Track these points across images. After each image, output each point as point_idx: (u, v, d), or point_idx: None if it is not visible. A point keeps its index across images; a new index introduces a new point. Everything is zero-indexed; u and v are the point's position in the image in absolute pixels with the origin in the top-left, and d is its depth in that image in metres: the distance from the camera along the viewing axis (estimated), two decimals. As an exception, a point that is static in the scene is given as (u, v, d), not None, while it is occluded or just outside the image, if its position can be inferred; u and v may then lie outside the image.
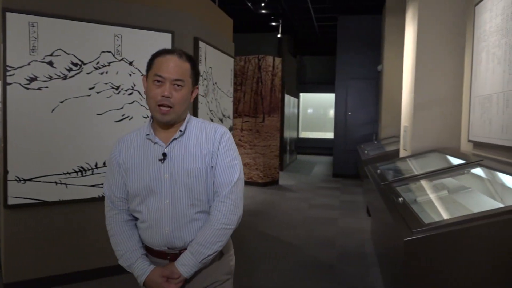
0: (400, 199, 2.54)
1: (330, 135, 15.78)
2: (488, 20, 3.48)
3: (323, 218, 5.63)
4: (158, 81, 1.40)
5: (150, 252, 1.51)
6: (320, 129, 16.45)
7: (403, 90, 5.20)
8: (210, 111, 4.32)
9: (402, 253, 1.90)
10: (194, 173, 1.45)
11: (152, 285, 1.42)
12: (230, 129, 5.10)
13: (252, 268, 3.81)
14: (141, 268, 1.44)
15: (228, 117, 4.99)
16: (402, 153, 5.05)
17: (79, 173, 3.30)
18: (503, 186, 2.87)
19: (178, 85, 1.42)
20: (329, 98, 16.36)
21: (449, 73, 4.36)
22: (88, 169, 3.34)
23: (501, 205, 2.60)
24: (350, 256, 4.18)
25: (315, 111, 16.75)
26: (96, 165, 3.36)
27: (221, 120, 4.72)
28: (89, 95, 3.32)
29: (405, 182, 3.22)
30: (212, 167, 1.48)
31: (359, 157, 7.30)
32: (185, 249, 1.45)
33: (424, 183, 3.21)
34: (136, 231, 1.53)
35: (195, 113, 3.90)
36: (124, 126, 3.45)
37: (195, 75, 1.50)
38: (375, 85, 9.13)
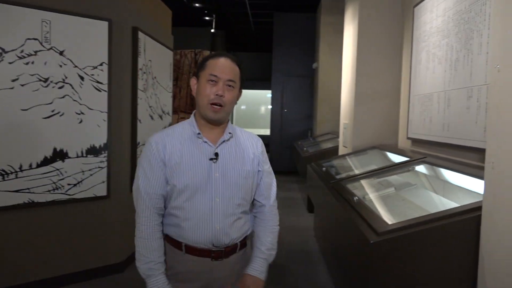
0: (355, 198, 2.51)
1: (264, 131, 15.90)
2: (429, 21, 3.61)
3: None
4: (213, 81, 1.47)
5: (191, 251, 1.50)
6: (254, 126, 16.49)
7: (342, 88, 5.29)
8: (150, 107, 4.05)
9: (368, 255, 1.85)
10: (245, 174, 1.54)
11: None
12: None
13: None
14: (162, 282, 1.46)
15: (168, 113, 4.73)
16: (341, 150, 5.13)
17: (0, 177, 2.89)
18: (446, 182, 2.98)
19: (230, 86, 1.49)
20: (263, 94, 16.47)
21: (389, 72, 4.49)
22: (11, 172, 2.93)
23: (446, 200, 2.68)
24: (297, 254, 4.14)
25: (249, 108, 16.76)
26: (20, 167, 2.97)
27: (161, 117, 4.45)
28: (12, 88, 2.91)
29: (354, 180, 3.23)
30: (259, 171, 1.60)
31: (298, 154, 7.36)
32: (228, 246, 1.52)
33: (372, 180, 3.24)
34: (163, 241, 1.53)
35: (133, 109, 3.62)
36: (54, 123, 3.09)
37: (242, 80, 1.58)
38: (310, 83, 9.29)
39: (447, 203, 2.60)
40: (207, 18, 10.43)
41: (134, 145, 3.62)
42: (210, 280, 1.53)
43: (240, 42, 14.16)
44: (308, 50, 9.27)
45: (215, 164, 1.50)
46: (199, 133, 1.52)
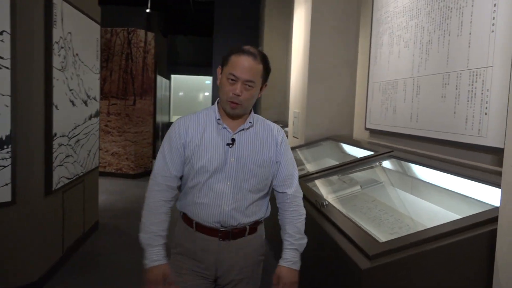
0: (325, 202, 2.10)
1: (203, 119, 15.24)
2: (393, 1, 3.27)
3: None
4: (232, 80, 1.50)
5: (201, 229, 1.57)
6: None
7: (292, 75, 4.88)
8: (70, 90, 3.35)
9: (357, 282, 1.43)
10: (259, 162, 1.57)
11: (154, 275, 1.50)
12: (97, 114, 4.15)
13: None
14: (157, 255, 1.52)
15: (94, 98, 4.03)
16: (291, 141, 4.74)
17: None
18: (415, 178, 2.66)
19: (249, 86, 1.51)
20: (201, 80, 15.77)
21: (344, 58, 4.13)
22: None
23: (422, 201, 2.36)
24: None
25: (187, 94, 16.01)
26: None
27: (85, 103, 3.75)
28: None
29: (315, 178, 2.82)
30: (276, 162, 1.63)
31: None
32: (236, 228, 1.56)
33: (335, 178, 2.86)
34: (169, 217, 1.59)
35: (47, 93, 2.92)
36: None
37: (267, 74, 1.58)
38: (254, 69, 8.84)
39: (423, 204, 2.27)
40: (142, -5, 9.58)
41: (49, 137, 2.93)
42: (217, 261, 1.58)
43: (179, 24, 13.34)
44: (252, 34, 8.80)
45: (231, 149, 1.55)
46: (219, 119, 1.57)
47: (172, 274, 1.54)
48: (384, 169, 2.84)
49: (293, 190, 1.65)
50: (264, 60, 1.57)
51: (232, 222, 1.55)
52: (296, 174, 1.69)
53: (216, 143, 1.55)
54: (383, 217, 2.19)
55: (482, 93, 2.14)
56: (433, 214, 2.09)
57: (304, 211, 1.65)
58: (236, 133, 1.57)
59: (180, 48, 14.47)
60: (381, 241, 1.49)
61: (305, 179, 2.80)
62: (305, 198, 2.34)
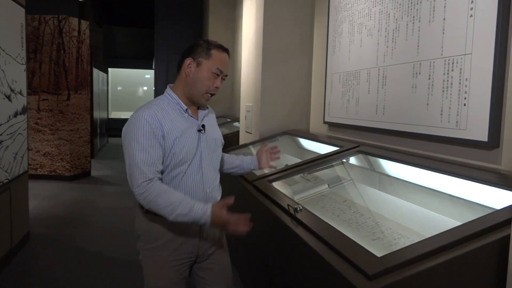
0: (299, 207, 1.85)
1: (144, 115, 14.54)
2: (353, -14, 3.09)
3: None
4: (217, 74, 1.62)
5: None
6: (132, 109, 15.02)
7: (243, 67, 4.61)
8: (-11, 83, 2.84)
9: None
10: (219, 142, 1.76)
11: (218, 212, 1.47)
12: (24, 110, 3.61)
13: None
14: (201, 207, 1.48)
15: (20, 93, 3.50)
16: (244, 137, 4.48)
17: None
18: (385, 175, 2.51)
19: (224, 79, 1.67)
20: (141, 74, 15.05)
21: (299, 49, 3.93)
22: None
23: (397, 199, 2.20)
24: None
25: (126, 89, 15.21)
26: None
27: (9, 98, 3.23)
28: None
29: (279, 176, 2.58)
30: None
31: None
32: None
33: (300, 176, 2.63)
34: None
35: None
36: None
37: None
38: (198, 61, 8.45)
39: (399, 203, 2.10)
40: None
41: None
42: (200, 241, 1.65)
43: (116, 14, 12.54)
44: (196, 25, 8.40)
45: (203, 135, 1.65)
46: (186, 109, 1.64)
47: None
48: (352, 165, 2.66)
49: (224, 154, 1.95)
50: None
51: (212, 202, 1.59)
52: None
53: (189, 132, 1.61)
54: (359, 220, 2.00)
55: (460, 83, 2.00)
56: (413, 214, 1.92)
57: None
58: (202, 119, 1.69)
59: (118, 39, 13.64)
60: (378, 256, 1.27)
61: (268, 179, 2.55)
62: (273, 202, 2.09)
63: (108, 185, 6.38)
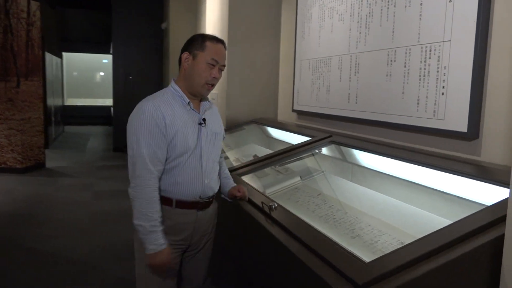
0: (274, 204, 1.73)
1: (103, 101, 13.99)
2: (323, -32, 2.96)
3: (117, 212, 4.42)
4: (213, 64, 1.67)
5: (181, 205, 1.68)
6: (89, 95, 14.39)
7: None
8: None
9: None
10: (219, 136, 1.82)
11: (165, 257, 1.58)
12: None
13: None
14: (163, 238, 1.57)
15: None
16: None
17: None
18: (360, 166, 2.44)
19: (221, 69, 1.72)
20: (98, 58, 14.38)
21: (267, 36, 3.78)
22: None
23: (370, 190, 2.12)
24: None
25: (82, 74, 14.51)
26: None
27: None
28: None
29: (249, 169, 2.45)
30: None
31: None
32: (210, 197, 1.76)
33: (271, 168, 2.51)
34: None
35: None
36: None
37: None
38: (160, 45, 8.11)
39: (376, 197, 2.03)
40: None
41: None
42: (194, 231, 1.73)
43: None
44: (156, 7, 8.03)
45: (203, 128, 1.72)
46: (189, 102, 1.70)
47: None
48: (324, 156, 2.57)
49: (222, 156, 2.00)
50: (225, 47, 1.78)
51: (210, 193, 1.74)
52: None
53: (190, 124, 1.67)
54: (336, 215, 1.90)
55: (437, 71, 1.93)
56: (392, 209, 1.84)
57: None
58: (203, 113, 1.74)
59: (73, 22, 12.90)
60: (366, 262, 1.17)
61: (238, 172, 2.41)
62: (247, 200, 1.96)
63: (65, 177, 6.03)
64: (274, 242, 1.51)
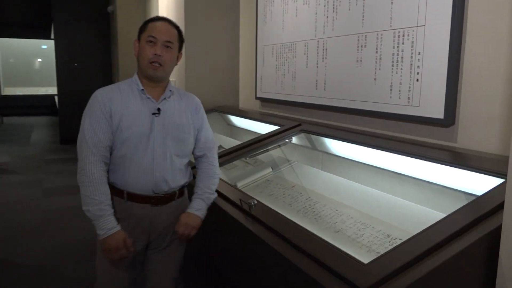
0: (253, 201, 1.64)
1: (45, 90, 13.14)
2: (285, -51, 2.84)
3: (71, 209, 4.14)
4: (151, 42, 1.62)
5: (133, 198, 1.61)
6: (29, 84, 13.46)
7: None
8: None
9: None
10: (182, 128, 1.69)
11: (115, 240, 1.51)
12: None
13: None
14: (112, 222, 1.52)
15: None
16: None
17: None
18: (327, 154, 2.39)
19: (168, 46, 1.63)
20: (37, 44, 13.44)
21: (225, 20, 3.62)
22: None
23: (345, 180, 2.08)
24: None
25: (20, 61, 13.52)
26: None
27: None
28: None
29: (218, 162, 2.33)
30: (197, 128, 1.76)
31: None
32: (168, 193, 1.66)
33: (241, 160, 2.41)
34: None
35: None
36: None
37: (181, 42, 1.72)
38: (107, 30, 7.66)
39: (353, 186, 1.99)
40: None
41: None
42: (151, 227, 1.65)
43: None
44: (100, -11, 7.55)
45: (157, 118, 1.63)
46: (142, 89, 1.65)
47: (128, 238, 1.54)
48: (295, 146, 2.50)
49: (212, 153, 1.80)
50: (178, 28, 1.70)
51: (164, 187, 1.64)
52: (212, 138, 1.83)
53: (142, 113, 1.62)
54: (315, 208, 1.84)
55: (411, 57, 1.90)
56: (371, 199, 1.81)
57: (220, 173, 1.82)
58: (160, 102, 1.66)
59: (7, 5, 11.91)
60: (364, 263, 1.11)
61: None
62: (222, 196, 1.85)
63: (9, 174, 5.58)
64: (260, 244, 1.41)
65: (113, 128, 1.58)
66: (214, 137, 1.84)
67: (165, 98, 1.67)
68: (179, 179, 1.69)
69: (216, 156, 1.82)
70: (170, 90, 1.70)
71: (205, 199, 1.69)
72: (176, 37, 1.67)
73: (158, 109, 1.63)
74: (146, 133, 1.60)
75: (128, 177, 1.60)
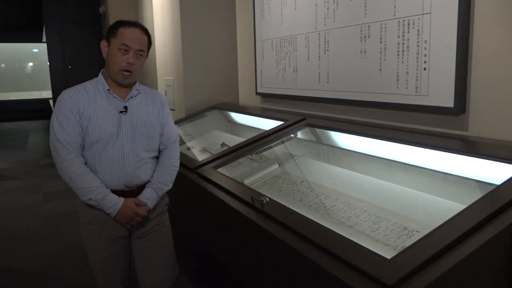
0: (265, 199, 1.61)
1: (39, 94, 13.02)
2: None
3: (71, 213, 4.08)
4: (125, 50, 1.65)
5: None
6: (22, 88, 13.32)
7: (157, 38, 4.11)
8: None
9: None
10: (150, 124, 1.76)
11: (126, 210, 1.65)
12: None
13: None
14: (115, 198, 1.65)
15: None
16: (166, 114, 4.06)
17: None
18: (335, 148, 2.37)
19: (140, 55, 1.70)
20: (28, 48, 13.29)
21: (222, 15, 3.57)
22: None
23: (354, 173, 2.06)
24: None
25: (10, 66, 13.36)
26: None
27: None
28: None
29: (224, 161, 2.30)
30: (162, 124, 1.83)
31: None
32: (140, 186, 1.74)
33: (246, 157, 2.37)
34: None
35: None
36: None
37: (150, 45, 1.78)
38: (99, 31, 7.59)
39: (362, 179, 1.96)
40: None
41: None
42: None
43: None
44: (91, -10, 7.47)
45: (124, 116, 1.70)
46: (108, 89, 1.70)
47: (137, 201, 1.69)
48: (300, 140, 2.47)
49: (174, 146, 1.86)
50: (148, 33, 1.75)
51: (137, 181, 1.73)
52: (176, 133, 1.90)
53: (108, 112, 1.67)
54: (326, 203, 1.81)
55: (418, 46, 1.86)
56: (384, 191, 1.78)
57: (178, 164, 1.86)
58: (126, 101, 1.72)
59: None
60: (388, 259, 1.08)
61: (212, 165, 2.25)
62: (231, 195, 1.82)
63: (8, 179, 5.53)
64: (276, 243, 1.38)
65: (83, 128, 1.64)
66: (176, 130, 1.91)
67: (132, 97, 1.73)
68: (150, 172, 1.78)
69: (178, 150, 1.89)
70: (137, 89, 1.77)
71: (157, 190, 1.76)
72: (147, 44, 1.73)
73: (125, 107, 1.70)
74: (115, 131, 1.66)
75: (100, 174, 1.66)
